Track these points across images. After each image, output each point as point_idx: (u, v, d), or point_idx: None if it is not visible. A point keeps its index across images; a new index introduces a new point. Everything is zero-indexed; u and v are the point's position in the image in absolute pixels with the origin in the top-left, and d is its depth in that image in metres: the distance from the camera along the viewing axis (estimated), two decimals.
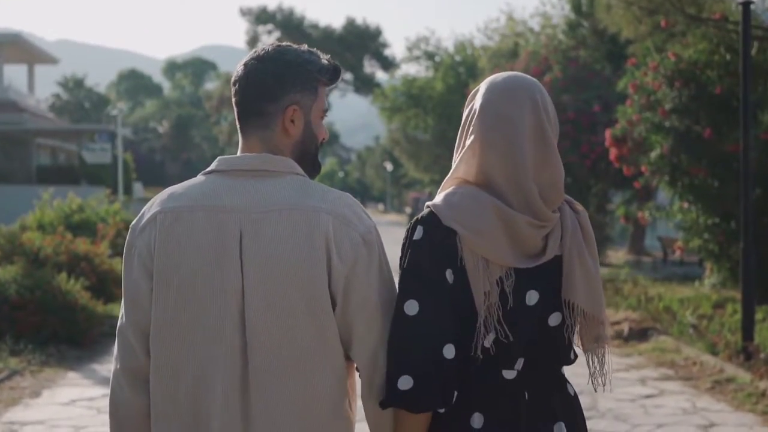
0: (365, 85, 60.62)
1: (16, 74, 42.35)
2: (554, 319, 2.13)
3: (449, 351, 2.01)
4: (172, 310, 2.08)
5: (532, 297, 2.10)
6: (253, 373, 2.05)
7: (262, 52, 2.19)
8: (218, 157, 2.19)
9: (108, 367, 9.23)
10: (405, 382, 2.00)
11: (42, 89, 78.39)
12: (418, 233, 2.08)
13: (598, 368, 2.24)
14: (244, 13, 61.78)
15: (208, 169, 2.18)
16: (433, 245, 2.06)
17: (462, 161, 2.17)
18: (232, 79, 2.21)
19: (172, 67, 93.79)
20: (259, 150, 2.16)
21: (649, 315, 12.01)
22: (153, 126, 75.27)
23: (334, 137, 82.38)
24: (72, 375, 8.89)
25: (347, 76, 62.90)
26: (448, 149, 41.55)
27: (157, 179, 57.86)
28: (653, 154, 13.38)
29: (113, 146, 26.18)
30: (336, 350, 2.10)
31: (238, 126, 2.21)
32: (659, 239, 22.47)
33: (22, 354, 9.24)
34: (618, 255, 24.38)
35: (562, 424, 2.15)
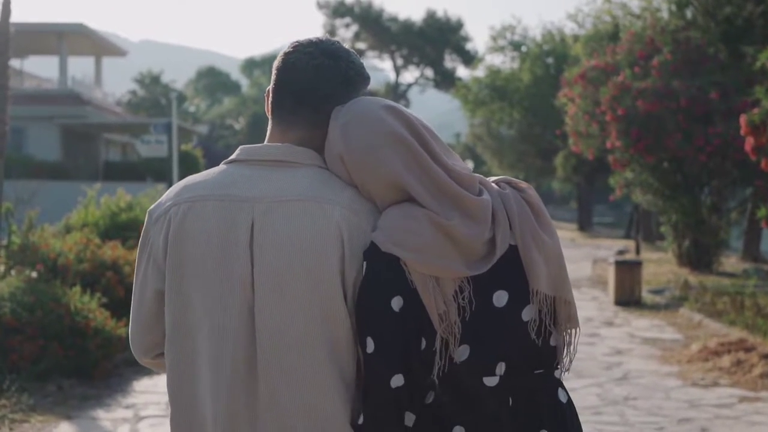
0: (445, 80, 58.55)
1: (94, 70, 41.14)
2: (527, 314, 1.97)
3: (397, 380, 1.90)
4: (181, 305, 1.94)
5: (501, 298, 1.95)
6: (262, 371, 1.88)
7: (331, 48, 2.03)
8: (240, 146, 2.05)
9: (118, 412, 7.10)
10: (359, 417, 1.93)
11: (119, 85, 77.73)
12: (364, 268, 1.91)
13: (567, 350, 2.05)
14: (321, 6, 60.19)
15: (230, 158, 2.05)
16: (376, 277, 1.90)
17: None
18: (283, 63, 2.04)
19: (250, 65, 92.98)
20: (294, 144, 2.03)
21: None
22: (229, 123, 74.40)
23: None
24: (64, 427, 6.73)
25: (427, 71, 60.92)
26: (534, 146, 39.26)
27: None
28: None
29: (170, 138, 24.26)
30: (344, 349, 1.92)
31: (276, 114, 2.05)
32: None
33: (6, 394, 7.14)
34: (730, 261, 21.68)
35: None
